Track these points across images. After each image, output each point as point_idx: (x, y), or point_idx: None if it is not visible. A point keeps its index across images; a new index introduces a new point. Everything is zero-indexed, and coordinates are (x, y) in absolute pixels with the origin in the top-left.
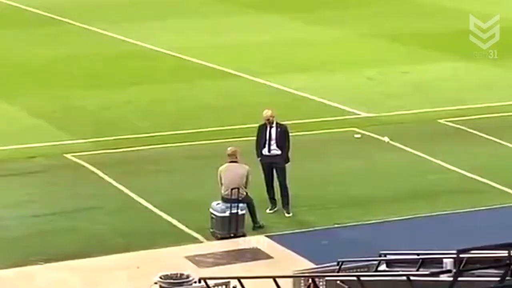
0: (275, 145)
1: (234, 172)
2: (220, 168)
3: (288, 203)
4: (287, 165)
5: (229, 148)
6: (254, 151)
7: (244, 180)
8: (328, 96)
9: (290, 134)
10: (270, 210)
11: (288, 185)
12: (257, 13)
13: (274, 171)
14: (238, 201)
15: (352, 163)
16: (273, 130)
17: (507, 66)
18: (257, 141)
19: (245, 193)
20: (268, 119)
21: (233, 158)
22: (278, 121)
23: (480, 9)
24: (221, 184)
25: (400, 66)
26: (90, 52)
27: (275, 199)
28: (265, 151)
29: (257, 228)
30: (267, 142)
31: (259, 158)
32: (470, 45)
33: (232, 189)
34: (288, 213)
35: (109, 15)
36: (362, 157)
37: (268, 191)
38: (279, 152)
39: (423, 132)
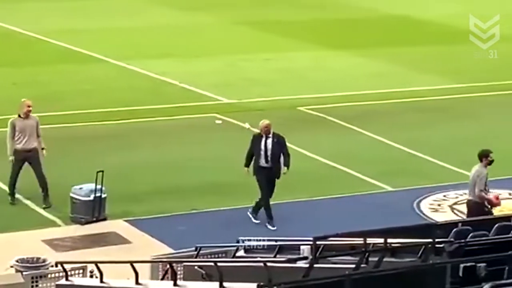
0: (270, 156)
1: None
2: None
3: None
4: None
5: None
6: None
7: None
8: (190, 81)
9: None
10: None
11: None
12: None
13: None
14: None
15: (213, 149)
16: (269, 141)
17: (369, 56)
18: (250, 151)
19: None
20: (265, 129)
21: None
22: (275, 131)
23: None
24: None
25: (264, 54)
26: None
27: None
28: (262, 163)
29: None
30: (262, 153)
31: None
32: (332, 35)
33: None
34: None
35: None
36: (222, 143)
37: None
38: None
39: (284, 119)
